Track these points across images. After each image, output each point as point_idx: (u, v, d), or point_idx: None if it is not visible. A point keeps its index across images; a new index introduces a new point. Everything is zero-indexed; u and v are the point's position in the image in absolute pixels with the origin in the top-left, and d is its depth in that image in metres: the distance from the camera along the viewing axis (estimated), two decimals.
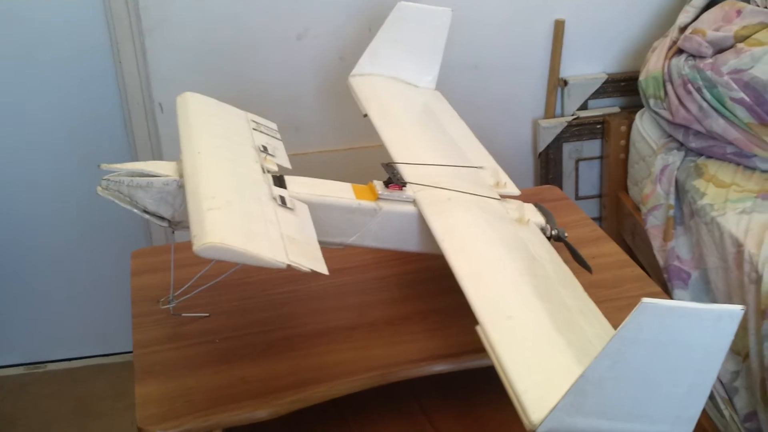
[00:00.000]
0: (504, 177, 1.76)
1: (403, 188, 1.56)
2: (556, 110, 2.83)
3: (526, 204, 1.67)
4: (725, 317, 1.02)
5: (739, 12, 2.38)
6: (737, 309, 1.02)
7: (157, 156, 2.56)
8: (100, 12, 2.45)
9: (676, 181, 2.38)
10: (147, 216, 1.42)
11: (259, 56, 2.53)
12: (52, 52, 2.49)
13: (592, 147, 2.85)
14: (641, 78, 2.58)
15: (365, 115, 1.89)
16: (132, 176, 1.40)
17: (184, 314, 1.60)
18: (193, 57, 2.47)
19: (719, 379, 2.11)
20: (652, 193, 2.42)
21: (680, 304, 1.01)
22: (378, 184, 1.55)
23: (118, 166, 1.41)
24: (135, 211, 1.41)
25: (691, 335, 1.03)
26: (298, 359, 1.50)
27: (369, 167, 1.80)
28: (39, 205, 2.67)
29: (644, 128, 2.62)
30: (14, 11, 2.42)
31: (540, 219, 1.66)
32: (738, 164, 2.34)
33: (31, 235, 2.70)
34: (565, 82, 2.77)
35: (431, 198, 1.55)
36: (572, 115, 2.81)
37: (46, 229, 2.71)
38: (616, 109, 2.84)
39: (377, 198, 1.53)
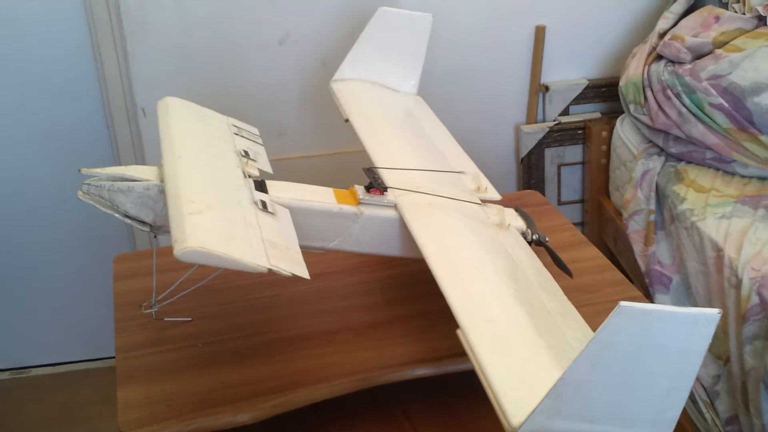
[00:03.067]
0: (485, 182, 1.76)
1: (384, 193, 1.56)
2: (537, 116, 2.84)
3: (506, 209, 1.68)
4: (702, 320, 1.03)
5: (717, 18, 2.40)
6: (714, 312, 1.02)
7: (140, 160, 2.56)
8: (81, 15, 2.44)
9: (657, 186, 2.40)
10: (128, 220, 1.42)
11: (241, 61, 2.53)
12: (34, 56, 2.48)
13: (573, 152, 2.87)
14: (621, 84, 2.60)
15: (347, 120, 1.90)
16: (113, 181, 1.39)
17: (166, 318, 1.60)
18: (175, 61, 2.47)
19: (701, 383, 2.12)
20: (633, 198, 2.43)
21: (657, 307, 1.01)
22: (359, 189, 1.56)
23: (99, 170, 1.41)
24: (116, 215, 1.41)
25: (669, 338, 1.04)
26: (280, 363, 1.51)
27: (351, 172, 1.80)
28: (21, 210, 2.66)
29: (625, 134, 2.64)
30: None
31: (521, 223, 1.66)
32: (717, 169, 2.36)
33: (14, 240, 2.69)
34: (547, 88, 2.79)
35: (412, 203, 1.56)
36: (554, 120, 2.83)
37: (29, 234, 2.70)
38: (597, 115, 2.86)
39: (358, 203, 1.53)
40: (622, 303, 1.00)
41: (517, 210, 1.71)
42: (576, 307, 1.39)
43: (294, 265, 1.30)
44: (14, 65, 2.48)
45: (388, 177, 1.62)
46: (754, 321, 1.93)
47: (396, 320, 1.63)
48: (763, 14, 2.35)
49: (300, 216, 1.46)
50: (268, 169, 1.58)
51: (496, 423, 1.13)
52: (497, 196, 1.73)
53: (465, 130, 2.06)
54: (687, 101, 2.31)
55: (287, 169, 1.76)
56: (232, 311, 1.65)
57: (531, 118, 2.83)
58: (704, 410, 2.14)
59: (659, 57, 2.49)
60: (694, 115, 2.31)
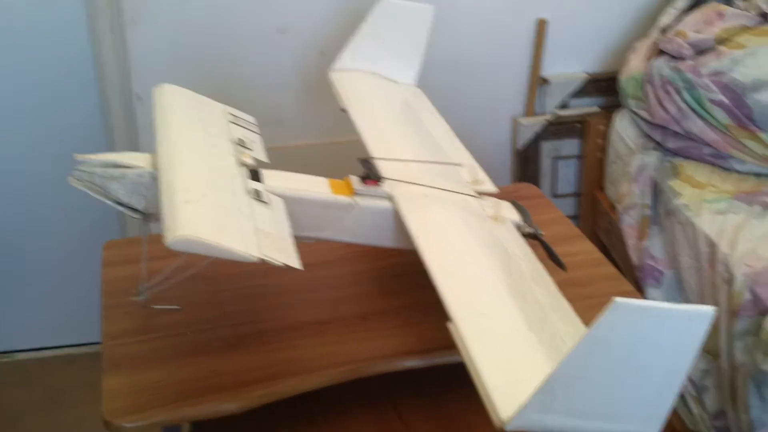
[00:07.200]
0: (481, 174, 1.75)
1: (380, 184, 1.55)
2: (536, 108, 2.83)
3: (502, 201, 1.67)
4: (696, 318, 1.02)
5: (720, 15, 2.39)
6: (709, 310, 1.02)
7: (134, 147, 2.55)
8: (79, 1, 2.43)
9: (653, 181, 2.39)
10: (120, 207, 1.41)
11: (240, 50, 2.52)
12: (29, 40, 2.46)
13: (570, 146, 2.86)
14: (621, 78, 2.59)
15: (343, 110, 1.89)
16: (105, 167, 1.38)
17: (155, 306, 1.59)
18: (173, 48, 2.46)
19: (689, 378, 2.12)
20: (629, 193, 2.43)
21: (652, 304, 1.01)
22: (354, 179, 1.55)
23: (92, 156, 1.40)
24: (108, 202, 1.40)
25: (662, 335, 1.03)
26: (269, 353, 1.50)
27: (348, 162, 1.79)
28: (10, 193, 2.64)
29: (623, 128, 2.63)
30: None
31: (516, 217, 1.65)
32: (714, 165, 2.35)
33: (1, 224, 2.68)
34: (546, 81, 2.78)
35: (407, 194, 1.55)
36: (552, 113, 2.82)
37: (18, 218, 2.68)
38: (596, 109, 2.84)
39: (353, 193, 1.52)
40: (617, 299, 0.99)
41: (513, 203, 1.70)
42: (569, 301, 1.38)
43: (286, 255, 1.29)
44: (6, 47, 2.46)
45: (383, 168, 1.61)
46: (746, 317, 1.93)
47: (387, 311, 1.62)
48: (766, 11, 2.34)
49: (294, 205, 1.45)
50: (264, 158, 1.57)
51: (486, 417, 1.12)
52: (493, 189, 1.72)
53: (463, 121, 2.05)
54: (687, 97, 2.31)
55: (284, 158, 1.75)
56: (222, 299, 1.64)
57: (529, 111, 2.82)
58: (692, 405, 2.14)
59: (660, 52, 2.48)
60: (693, 110, 2.30)
